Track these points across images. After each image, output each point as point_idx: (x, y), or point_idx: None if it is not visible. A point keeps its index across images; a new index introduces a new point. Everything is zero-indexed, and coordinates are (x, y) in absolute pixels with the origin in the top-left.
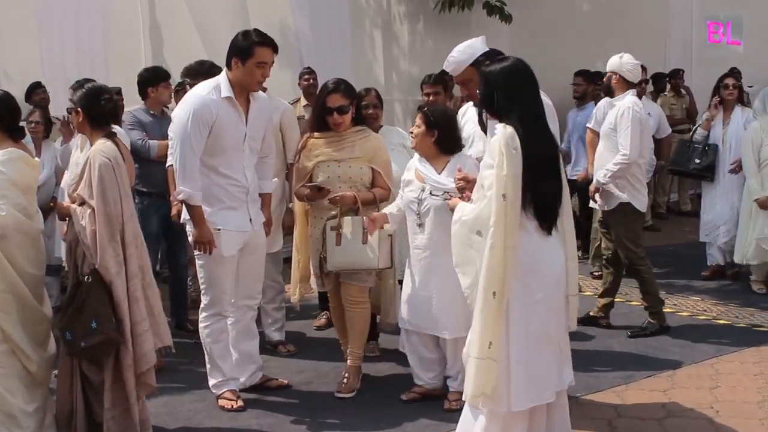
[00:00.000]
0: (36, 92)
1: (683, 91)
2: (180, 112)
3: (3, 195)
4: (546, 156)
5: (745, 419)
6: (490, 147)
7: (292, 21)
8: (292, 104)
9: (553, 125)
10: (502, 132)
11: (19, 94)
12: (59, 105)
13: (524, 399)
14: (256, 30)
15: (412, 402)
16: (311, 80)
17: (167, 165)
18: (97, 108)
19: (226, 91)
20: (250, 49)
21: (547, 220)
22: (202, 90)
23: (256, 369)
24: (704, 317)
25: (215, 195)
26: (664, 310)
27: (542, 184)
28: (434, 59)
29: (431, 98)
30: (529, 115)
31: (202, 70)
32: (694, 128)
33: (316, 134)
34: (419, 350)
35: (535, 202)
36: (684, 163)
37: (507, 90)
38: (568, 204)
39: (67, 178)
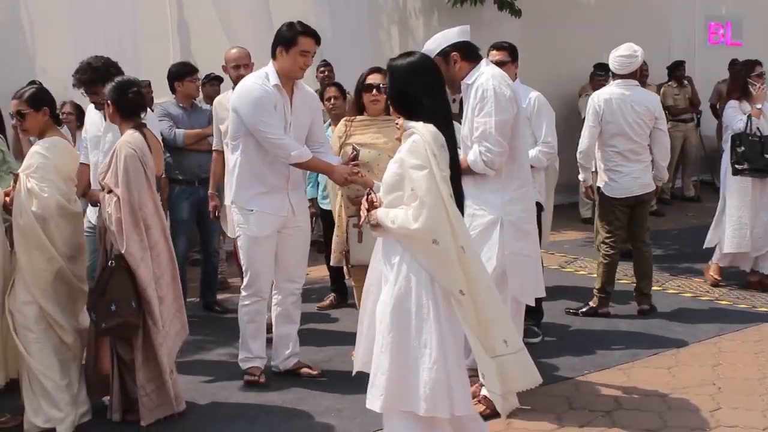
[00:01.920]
0: None
1: (685, 81)
2: (242, 102)
3: (47, 179)
4: (457, 155)
5: (746, 395)
6: (414, 146)
7: (313, 16)
8: None
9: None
10: (427, 130)
11: (53, 87)
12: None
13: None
14: (299, 22)
15: None
16: (326, 72)
17: (213, 148)
18: (125, 100)
19: (274, 79)
20: (295, 39)
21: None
22: (254, 80)
23: (290, 354)
24: (706, 298)
25: (257, 178)
26: (651, 293)
27: (460, 181)
28: None
29: None
30: (445, 112)
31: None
32: (746, 120)
33: (348, 117)
34: None
35: (457, 199)
36: (758, 159)
37: (422, 86)
38: None
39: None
